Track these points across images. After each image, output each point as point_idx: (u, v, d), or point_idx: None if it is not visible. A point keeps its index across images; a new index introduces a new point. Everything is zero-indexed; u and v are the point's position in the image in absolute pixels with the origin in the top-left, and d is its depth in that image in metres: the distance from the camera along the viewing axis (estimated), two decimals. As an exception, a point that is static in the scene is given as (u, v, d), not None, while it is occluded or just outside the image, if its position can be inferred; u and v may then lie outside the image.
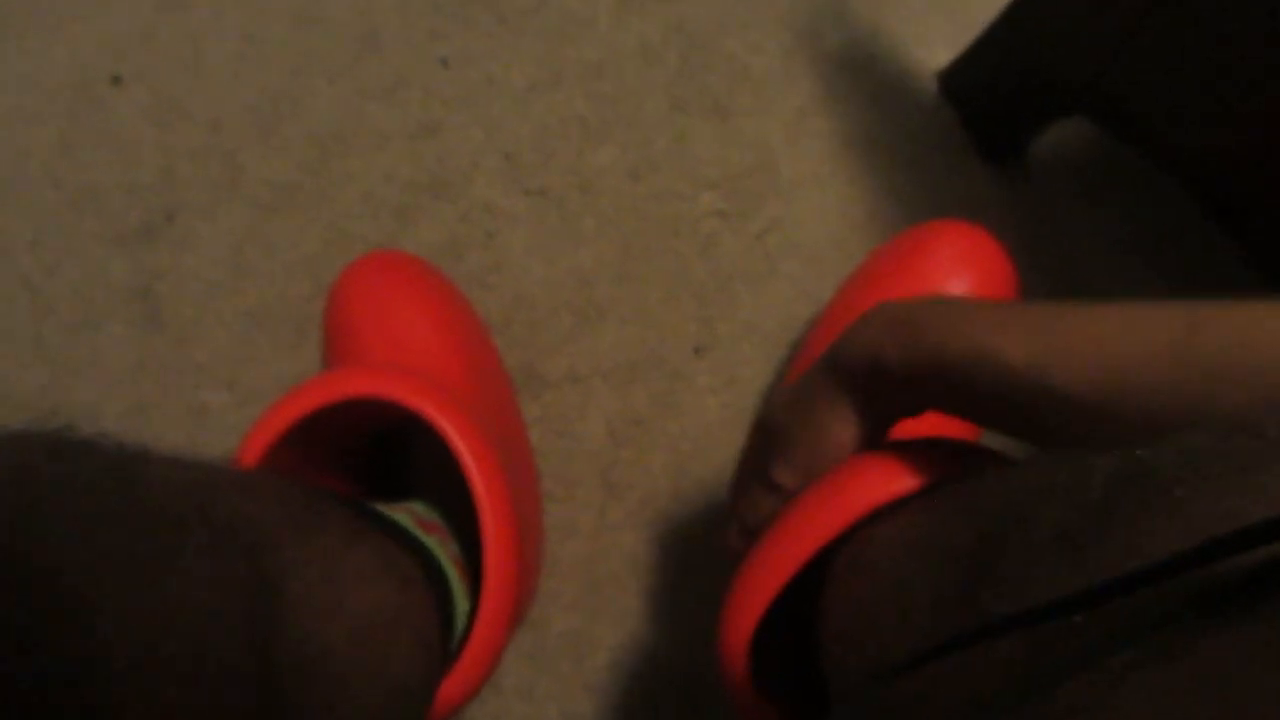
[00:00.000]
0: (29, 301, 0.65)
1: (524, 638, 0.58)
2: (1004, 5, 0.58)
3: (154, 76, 0.70)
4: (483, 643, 0.41)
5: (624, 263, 0.64)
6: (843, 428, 0.39)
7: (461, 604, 0.45)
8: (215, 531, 0.29)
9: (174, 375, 0.64)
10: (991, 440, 0.40)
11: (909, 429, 0.43)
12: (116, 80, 0.70)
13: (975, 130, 0.63)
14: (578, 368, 0.63)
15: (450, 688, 0.40)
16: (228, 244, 0.66)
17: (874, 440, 0.40)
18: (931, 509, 0.33)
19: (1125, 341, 0.30)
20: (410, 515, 0.47)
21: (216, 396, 0.64)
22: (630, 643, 0.59)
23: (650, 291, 0.64)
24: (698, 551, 0.59)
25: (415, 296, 0.58)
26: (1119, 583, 0.19)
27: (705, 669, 0.57)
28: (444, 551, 0.45)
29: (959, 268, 0.53)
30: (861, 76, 0.67)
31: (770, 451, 0.42)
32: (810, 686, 0.42)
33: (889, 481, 0.36)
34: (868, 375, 0.37)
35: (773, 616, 0.39)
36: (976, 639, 0.23)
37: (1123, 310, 0.31)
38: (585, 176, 0.66)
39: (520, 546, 0.44)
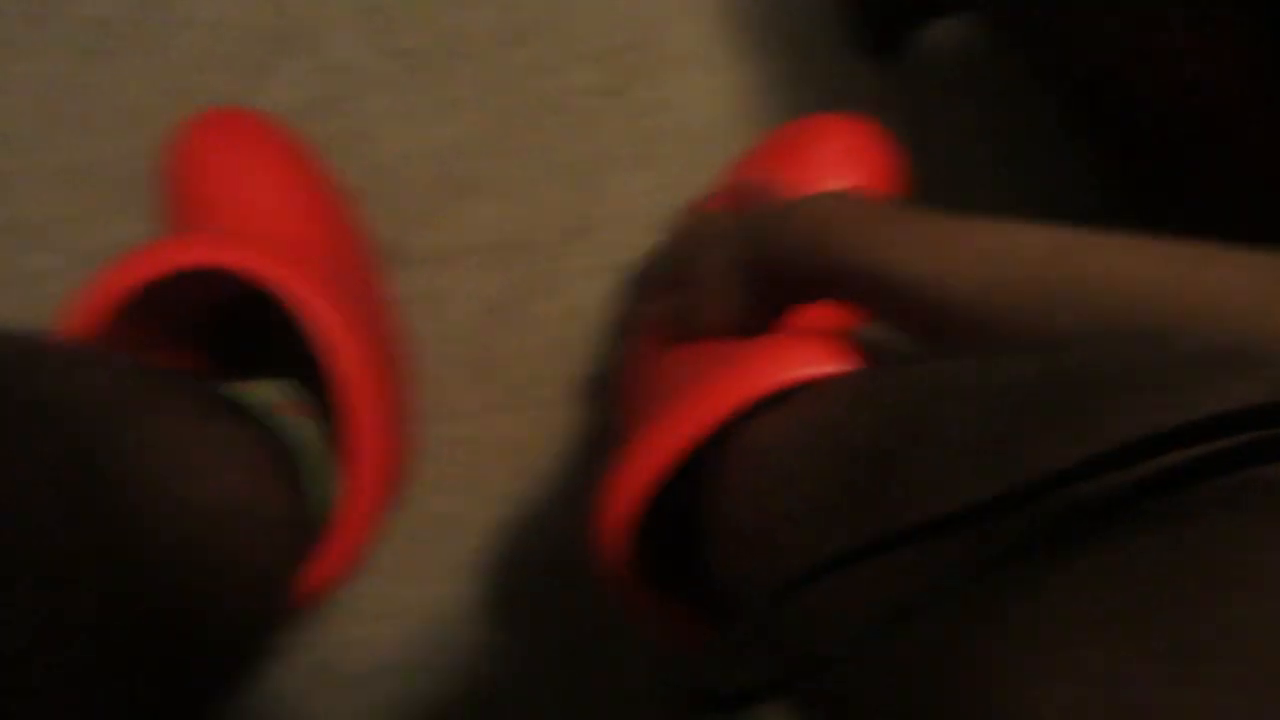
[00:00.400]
0: None
1: (402, 520, 0.58)
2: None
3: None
4: (350, 521, 0.41)
5: (497, 137, 0.62)
6: (723, 301, 0.43)
7: (333, 485, 0.44)
8: (32, 405, 0.26)
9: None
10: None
11: (801, 318, 0.44)
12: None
13: (858, 20, 0.62)
14: (448, 245, 0.61)
15: (322, 568, 0.40)
16: (41, 90, 0.59)
17: (752, 323, 0.42)
18: (828, 399, 0.33)
19: (1006, 262, 0.32)
20: (270, 394, 0.45)
21: (44, 260, 0.58)
22: (509, 525, 0.60)
23: (524, 169, 0.61)
24: (572, 435, 0.60)
25: (265, 158, 0.54)
26: (1039, 485, 0.19)
27: (583, 552, 0.59)
28: (308, 431, 0.44)
29: (849, 163, 0.54)
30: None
31: (660, 266, 0.45)
32: (690, 573, 0.44)
33: (781, 367, 0.37)
34: (769, 267, 0.40)
35: (655, 504, 0.40)
36: (890, 545, 0.23)
37: (1004, 230, 0.34)
38: (456, 40, 0.62)
39: (386, 421, 0.43)
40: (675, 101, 0.62)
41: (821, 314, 0.43)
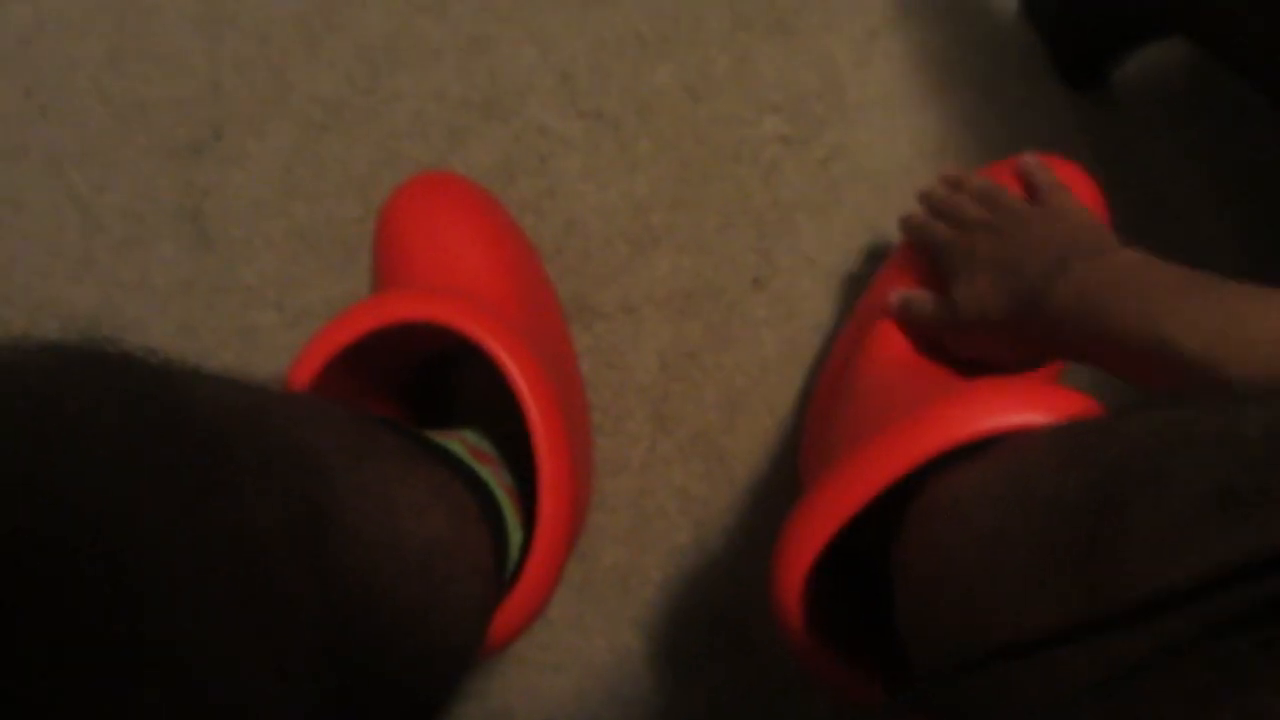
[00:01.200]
0: (79, 218, 0.65)
1: (573, 570, 0.58)
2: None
3: (201, -14, 0.69)
4: (538, 571, 0.41)
5: (681, 189, 0.63)
6: (984, 335, 0.44)
7: (515, 534, 0.45)
8: (265, 454, 0.27)
9: (222, 295, 0.64)
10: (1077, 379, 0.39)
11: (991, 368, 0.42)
12: (163, -11, 0.69)
13: (1058, 53, 0.59)
14: (631, 297, 0.62)
15: (506, 617, 0.40)
16: (276, 162, 0.65)
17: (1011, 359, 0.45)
18: (1030, 453, 0.31)
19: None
20: (462, 444, 0.46)
21: (265, 317, 0.64)
22: (678, 577, 0.59)
23: (708, 219, 0.62)
24: (749, 488, 0.59)
25: (466, 219, 0.57)
26: None
27: (753, 606, 0.57)
28: (497, 481, 0.45)
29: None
30: (938, -6, 0.63)
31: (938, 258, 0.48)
32: (872, 629, 0.42)
33: (973, 418, 0.35)
34: (1038, 323, 0.40)
35: (835, 556, 0.39)
36: (1131, 619, 0.20)
37: None
38: (642, 98, 0.64)
39: (575, 473, 0.44)
40: (859, 147, 0.61)
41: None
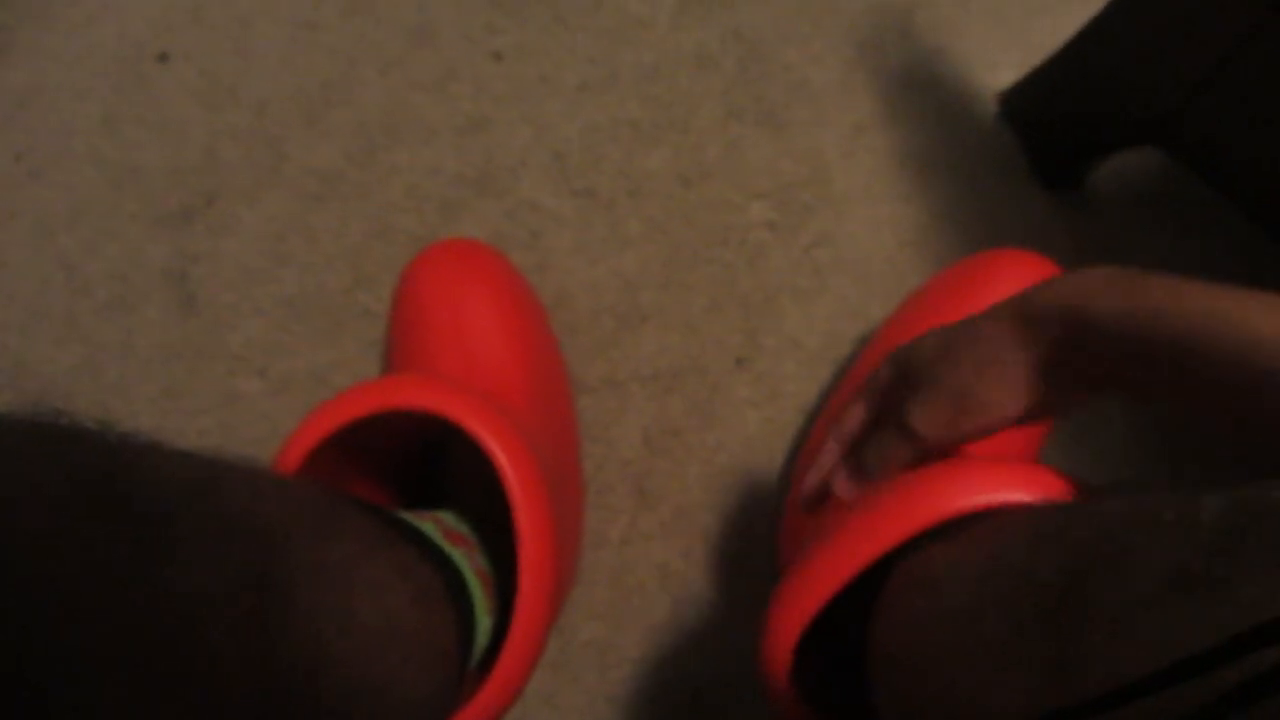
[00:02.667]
0: (65, 280, 0.66)
1: (550, 645, 0.58)
2: (1071, 32, 0.58)
3: (202, 56, 0.71)
4: (515, 656, 0.41)
5: (669, 269, 0.65)
6: (1008, 389, 0.37)
7: (483, 619, 0.45)
8: (209, 524, 0.28)
9: (207, 361, 0.65)
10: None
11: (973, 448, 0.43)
12: (163, 58, 0.71)
13: (1035, 155, 0.63)
14: (616, 373, 0.63)
15: (484, 701, 0.41)
16: (268, 231, 0.67)
17: (1035, 416, 0.38)
18: (1004, 532, 0.33)
19: None
20: (437, 525, 0.46)
21: (249, 384, 0.64)
22: (655, 655, 0.59)
23: (694, 299, 0.64)
24: (729, 566, 0.60)
25: (488, 292, 0.58)
26: (1253, 635, 0.18)
27: (732, 685, 0.57)
28: (469, 564, 0.45)
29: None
30: (922, 94, 0.67)
31: (910, 396, 0.40)
32: (851, 697, 0.43)
33: (959, 495, 0.36)
34: (1065, 327, 0.34)
35: (814, 629, 0.40)
36: (1082, 712, 0.22)
37: None
38: (634, 180, 0.66)
39: (557, 567, 0.44)
40: (844, 235, 0.64)
41: (1000, 441, 0.42)
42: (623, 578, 0.60)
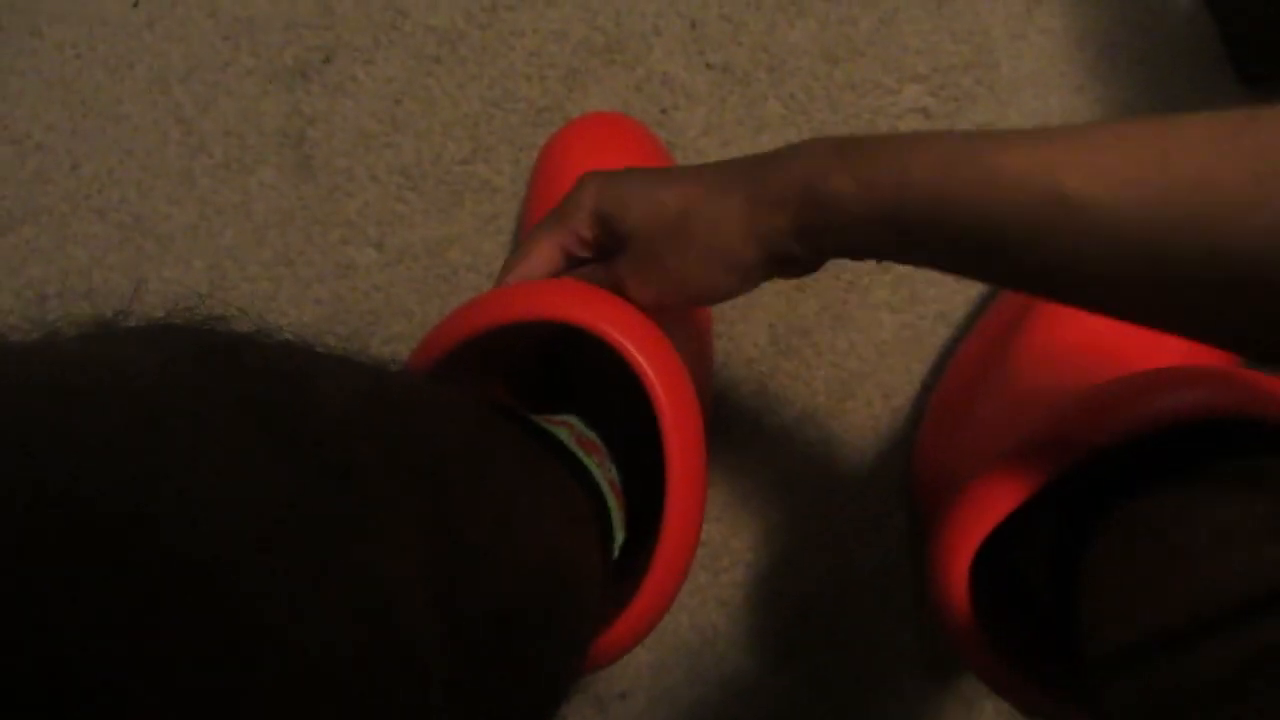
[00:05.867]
0: (181, 136, 0.66)
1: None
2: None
3: (319, -100, 0.68)
4: (664, 576, 0.40)
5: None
6: (736, 276, 0.38)
7: (619, 534, 0.43)
8: (391, 463, 0.25)
9: (322, 228, 0.64)
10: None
11: (1160, 356, 0.40)
12: (279, -99, 0.69)
13: (1236, 45, 0.57)
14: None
15: (620, 633, 0.39)
16: (386, 93, 0.65)
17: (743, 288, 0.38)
18: (1234, 478, 0.30)
19: (1163, 137, 0.28)
20: (570, 432, 0.45)
21: (364, 254, 0.64)
22: (770, 560, 0.59)
23: (834, 191, 0.61)
24: (853, 476, 0.58)
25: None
26: None
27: (843, 597, 0.57)
28: (602, 474, 0.44)
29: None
30: (1107, -34, 0.61)
31: (620, 255, 0.40)
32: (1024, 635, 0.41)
33: (1158, 397, 0.33)
34: (803, 209, 0.34)
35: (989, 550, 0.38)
36: None
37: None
38: (776, 55, 0.62)
39: (703, 494, 0.43)
40: (1007, 126, 0.59)
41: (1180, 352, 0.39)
42: (740, 479, 0.59)
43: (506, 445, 0.35)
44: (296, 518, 0.20)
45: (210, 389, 0.20)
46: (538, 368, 0.55)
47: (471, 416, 0.34)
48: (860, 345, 0.59)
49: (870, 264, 0.59)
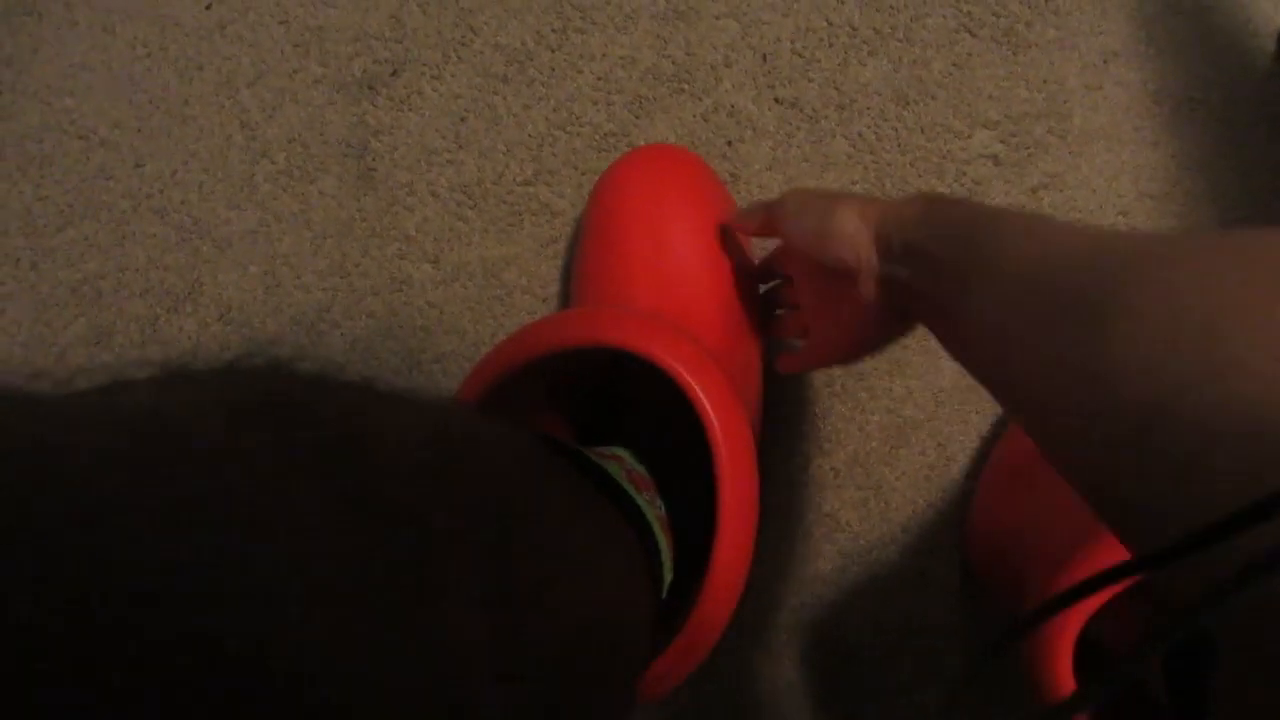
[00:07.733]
0: (245, 141, 0.67)
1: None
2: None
3: (395, -86, 0.69)
4: (712, 612, 0.40)
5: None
6: (862, 345, 0.44)
7: (668, 575, 0.43)
8: (456, 514, 0.25)
9: (379, 241, 0.65)
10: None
11: None
12: (356, -88, 0.70)
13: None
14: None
15: (665, 666, 0.39)
16: (451, 109, 0.66)
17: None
18: None
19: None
20: (620, 466, 0.45)
21: (420, 270, 0.65)
22: (813, 607, 0.59)
23: (897, 233, 0.61)
24: (904, 526, 0.58)
25: (692, 214, 0.55)
26: None
27: (886, 653, 0.57)
28: (653, 512, 0.44)
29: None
30: (1188, 22, 0.61)
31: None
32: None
33: None
34: (910, 272, 0.38)
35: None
36: None
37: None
38: (846, 92, 0.63)
39: (752, 510, 0.43)
40: (1077, 179, 0.59)
41: None
42: (789, 522, 0.59)
43: (564, 489, 0.35)
44: (369, 588, 0.20)
45: (275, 448, 0.20)
46: (588, 398, 0.55)
47: (530, 457, 0.34)
48: (918, 392, 0.59)
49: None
